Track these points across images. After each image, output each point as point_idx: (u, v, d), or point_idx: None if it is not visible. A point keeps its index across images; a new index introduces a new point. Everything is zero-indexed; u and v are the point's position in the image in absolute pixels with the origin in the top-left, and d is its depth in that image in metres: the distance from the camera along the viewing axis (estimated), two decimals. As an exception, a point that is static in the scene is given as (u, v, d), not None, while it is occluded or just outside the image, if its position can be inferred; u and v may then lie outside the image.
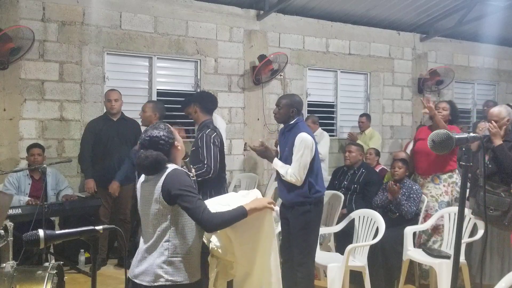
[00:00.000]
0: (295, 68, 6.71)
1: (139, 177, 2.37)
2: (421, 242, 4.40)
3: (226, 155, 3.92)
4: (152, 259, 2.17)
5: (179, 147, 2.33)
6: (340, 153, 6.72)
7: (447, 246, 4.11)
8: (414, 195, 4.30)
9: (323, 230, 4.29)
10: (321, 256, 3.95)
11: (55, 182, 4.78)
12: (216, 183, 3.57)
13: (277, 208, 3.25)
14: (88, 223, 3.22)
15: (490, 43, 8.11)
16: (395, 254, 4.14)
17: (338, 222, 4.38)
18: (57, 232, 1.74)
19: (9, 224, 3.05)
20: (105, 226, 1.83)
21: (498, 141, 3.66)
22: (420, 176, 4.55)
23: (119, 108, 4.94)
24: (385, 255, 4.10)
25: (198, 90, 5.98)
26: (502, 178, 3.69)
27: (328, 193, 4.64)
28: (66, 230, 1.77)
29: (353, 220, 4.20)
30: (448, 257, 3.79)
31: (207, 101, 3.81)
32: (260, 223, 2.37)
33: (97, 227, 1.78)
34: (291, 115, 3.53)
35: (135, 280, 2.19)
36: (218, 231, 2.35)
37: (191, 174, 2.40)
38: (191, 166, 2.84)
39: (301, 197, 3.47)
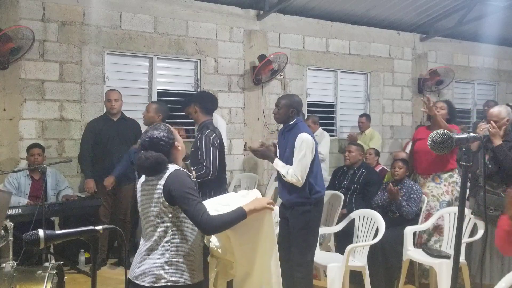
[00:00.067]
0: (295, 68, 6.71)
1: (139, 177, 2.37)
2: (422, 242, 4.40)
3: (226, 155, 3.92)
4: (153, 260, 2.17)
5: (179, 148, 2.33)
6: (340, 153, 6.72)
7: (447, 246, 4.11)
8: (415, 195, 4.30)
9: (323, 230, 4.29)
10: (321, 256, 3.96)
11: (55, 182, 4.78)
12: (216, 184, 3.56)
13: (276, 208, 3.26)
14: (88, 223, 3.22)
15: (490, 43, 8.11)
16: (395, 254, 4.14)
17: (338, 222, 4.38)
18: (57, 232, 1.74)
19: (9, 224, 3.05)
20: (105, 226, 1.83)
21: (497, 141, 3.66)
22: (421, 176, 4.55)
23: (119, 108, 4.94)
24: (385, 255, 4.10)
25: (198, 90, 5.98)
26: (502, 178, 3.69)
27: (328, 193, 4.63)
28: (66, 230, 1.77)
29: (353, 220, 4.20)
30: (448, 257, 3.79)
31: (207, 101, 3.81)
32: (259, 223, 2.37)
33: (97, 227, 1.78)
34: (291, 115, 3.53)
35: (136, 281, 2.19)
36: (218, 232, 2.35)
37: (192, 175, 2.40)
38: (191, 168, 2.84)
39: (301, 198, 3.47)
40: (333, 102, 7.18)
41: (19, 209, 4.16)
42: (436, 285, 3.94)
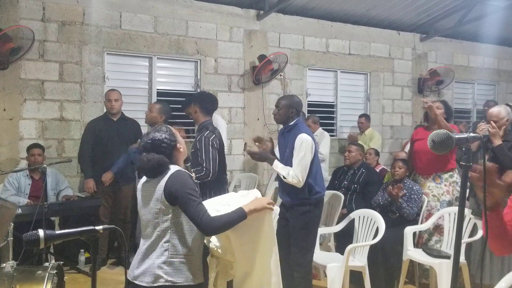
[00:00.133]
0: (295, 68, 6.71)
1: (139, 177, 2.38)
2: (423, 241, 4.40)
3: (226, 155, 3.92)
4: (152, 260, 2.17)
5: (181, 150, 2.34)
6: (340, 153, 6.72)
7: (447, 246, 4.11)
8: (415, 196, 4.30)
9: (323, 230, 4.30)
10: (321, 256, 3.96)
11: (55, 182, 4.78)
12: (216, 184, 3.56)
13: (276, 208, 3.26)
14: (88, 223, 3.22)
15: (490, 43, 8.11)
16: (395, 254, 4.14)
17: (338, 222, 4.38)
18: (57, 232, 1.74)
19: (9, 224, 3.05)
20: (105, 226, 1.83)
21: (497, 141, 3.65)
22: (421, 176, 4.55)
23: (119, 108, 4.94)
24: (385, 255, 4.10)
25: (198, 90, 5.98)
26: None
27: (328, 193, 4.63)
28: (66, 230, 1.77)
29: (353, 220, 4.20)
30: (448, 257, 3.79)
31: (207, 102, 3.80)
32: (259, 223, 2.38)
33: (97, 227, 1.78)
34: (291, 116, 3.52)
35: (135, 282, 2.19)
36: (218, 232, 2.35)
37: (192, 177, 2.41)
38: (191, 169, 2.84)
39: (301, 198, 3.47)
40: (333, 102, 7.18)
41: (19, 209, 4.15)
42: (436, 285, 3.94)
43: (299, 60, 6.73)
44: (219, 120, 5.43)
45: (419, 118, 7.64)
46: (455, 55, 8.14)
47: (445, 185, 4.41)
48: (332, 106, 7.18)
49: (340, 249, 4.21)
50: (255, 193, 2.50)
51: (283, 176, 3.43)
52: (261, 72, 6.23)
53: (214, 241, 2.40)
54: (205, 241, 2.35)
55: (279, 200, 3.76)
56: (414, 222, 4.31)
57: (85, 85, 5.40)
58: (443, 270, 3.75)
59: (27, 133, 5.13)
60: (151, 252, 2.18)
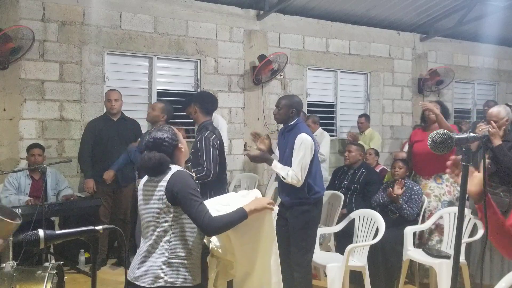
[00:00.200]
0: (295, 68, 6.71)
1: (139, 177, 2.38)
2: (424, 241, 4.39)
3: (226, 155, 3.92)
4: (152, 261, 2.17)
5: (182, 149, 2.34)
6: (340, 153, 6.72)
7: (447, 246, 4.11)
8: (415, 196, 4.30)
9: (323, 230, 4.30)
10: (321, 256, 3.96)
11: (55, 182, 4.78)
12: (216, 184, 3.56)
13: (276, 208, 3.26)
14: (88, 223, 3.21)
15: (490, 43, 8.11)
16: (395, 254, 4.14)
17: (338, 222, 4.38)
18: (57, 232, 1.75)
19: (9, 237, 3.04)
20: (105, 226, 1.84)
21: (497, 141, 3.65)
22: (422, 177, 4.55)
23: (119, 108, 4.93)
24: (385, 255, 4.10)
25: (198, 90, 5.98)
26: (501, 178, 3.69)
27: (328, 193, 4.64)
28: (66, 230, 1.77)
29: (353, 220, 4.20)
30: (448, 257, 3.79)
31: (207, 102, 3.80)
32: (260, 223, 2.38)
33: (97, 227, 1.79)
34: (291, 116, 3.53)
35: (136, 282, 2.19)
36: (218, 232, 2.35)
37: (193, 176, 2.41)
38: (192, 169, 2.85)
39: (300, 198, 3.47)
40: (333, 102, 7.18)
41: (19, 209, 4.16)
42: (436, 285, 3.94)
43: (299, 60, 6.73)
44: (219, 120, 5.43)
45: (419, 118, 7.63)
46: (455, 55, 8.14)
47: (446, 185, 4.41)
48: (332, 106, 7.18)
49: (340, 249, 4.21)
50: (255, 193, 2.50)
51: (283, 177, 3.43)
52: (261, 72, 6.22)
53: (214, 241, 2.40)
54: (205, 241, 2.36)
55: (279, 200, 3.76)
56: (414, 222, 4.31)
57: (85, 85, 5.40)
58: (443, 270, 3.75)
59: (27, 133, 5.13)
60: (152, 252, 2.18)
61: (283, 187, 3.55)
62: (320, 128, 6.27)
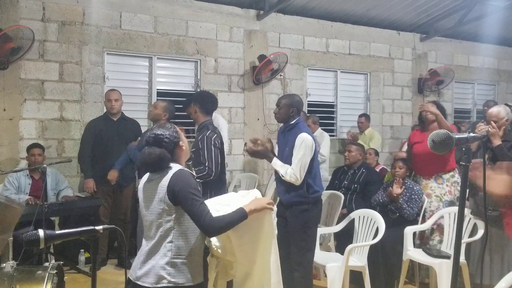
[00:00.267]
0: (295, 68, 6.71)
1: (139, 177, 2.38)
2: (425, 241, 4.39)
3: (226, 155, 3.92)
4: (155, 261, 2.16)
5: (183, 148, 2.33)
6: (340, 153, 6.72)
7: (447, 246, 4.11)
8: (416, 196, 4.30)
9: (323, 230, 4.30)
10: (321, 256, 3.95)
11: (55, 182, 4.78)
12: (216, 184, 3.57)
13: (275, 208, 3.25)
14: (88, 223, 3.22)
15: (490, 43, 8.11)
16: (395, 254, 4.14)
17: (338, 222, 4.38)
18: (57, 232, 1.74)
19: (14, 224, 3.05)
20: (105, 226, 1.83)
21: (497, 141, 3.65)
22: (422, 177, 4.54)
23: (119, 108, 4.94)
24: (385, 255, 4.10)
25: (198, 90, 5.98)
26: (501, 178, 3.68)
27: (328, 193, 4.64)
28: (66, 230, 1.77)
29: (353, 220, 4.20)
30: (448, 257, 3.80)
31: (207, 102, 3.80)
32: (259, 223, 2.38)
33: (97, 227, 1.79)
34: (291, 115, 3.53)
35: (138, 282, 2.18)
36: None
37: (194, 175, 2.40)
38: (193, 168, 2.84)
39: (299, 197, 3.47)
40: (333, 102, 7.18)
41: (20, 208, 4.16)
42: (436, 285, 3.94)
43: (299, 60, 6.73)
44: (220, 120, 5.43)
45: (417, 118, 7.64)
46: (455, 55, 8.14)
47: (447, 185, 4.41)
48: (332, 106, 7.18)
49: (340, 249, 4.22)
50: (255, 193, 2.50)
51: (282, 174, 3.44)
52: (261, 72, 6.23)
53: (214, 241, 2.39)
54: (205, 241, 2.35)
55: (279, 200, 3.76)
56: (414, 222, 4.31)
57: (85, 85, 5.40)
58: (443, 270, 3.75)
59: (27, 133, 5.13)
60: (154, 253, 2.17)
61: (282, 186, 3.55)
62: (319, 128, 6.27)
